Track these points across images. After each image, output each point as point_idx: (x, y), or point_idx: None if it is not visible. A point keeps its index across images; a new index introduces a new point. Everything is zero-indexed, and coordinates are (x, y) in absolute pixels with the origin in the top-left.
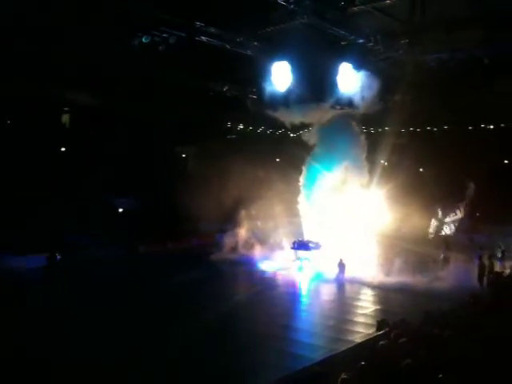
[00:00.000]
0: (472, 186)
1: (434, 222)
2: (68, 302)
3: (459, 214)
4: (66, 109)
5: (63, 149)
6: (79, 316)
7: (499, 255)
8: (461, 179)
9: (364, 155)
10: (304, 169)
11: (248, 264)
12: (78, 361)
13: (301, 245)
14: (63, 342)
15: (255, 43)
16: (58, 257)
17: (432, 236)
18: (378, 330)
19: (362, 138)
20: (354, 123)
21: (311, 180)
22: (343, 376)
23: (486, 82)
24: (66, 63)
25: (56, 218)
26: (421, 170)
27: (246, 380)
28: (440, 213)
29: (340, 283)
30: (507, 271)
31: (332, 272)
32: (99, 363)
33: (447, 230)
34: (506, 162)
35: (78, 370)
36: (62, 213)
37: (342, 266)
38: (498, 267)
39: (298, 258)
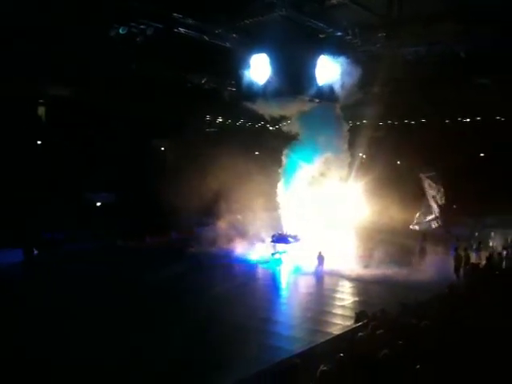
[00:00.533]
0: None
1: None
2: (51, 299)
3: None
4: (41, 101)
5: (39, 142)
6: (64, 313)
7: (475, 247)
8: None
9: (345, 146)
10: (283, 161)
11: (228, 257)
12: (65, 357)
13: (280, 238)
14: (48, 339)
15: (234, 35)
16: (35, 252)
17: (418, 226)
18: (356, 321)
19: (345, 127)
20: (336, 112)
21: (290, 172)
22: (322, 368)
23: (463, 75)
24: (40, 55)
25: (32, 212)
26: (398, 162)
27: (225, 373)
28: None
29: (319, 276)
30: (483, 262)
31: (311, 265)
32: (84, 358)
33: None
34: (482, 155)
35: (64, 366)
36: (38, 207)
37: (320, 258)
38: (474, 258)
39: (278, 251)
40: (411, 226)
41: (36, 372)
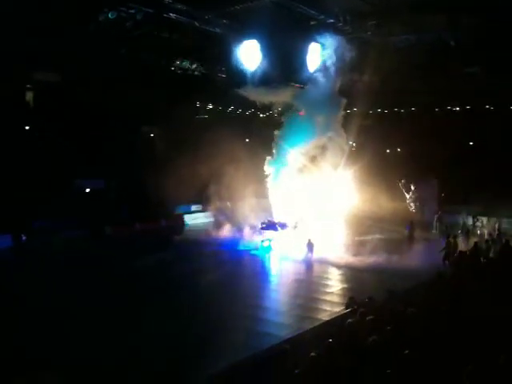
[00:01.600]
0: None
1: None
2: (37, 286)
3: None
4: (29, 86)
5: (27, 127)
6: (48, 300)
7: (462, 234)
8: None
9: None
10: (273, 147)
11: (217, 244)
12: (46, 346)
13: (270, 225)
14: (31, 327)
15: (224, 21)
16: (24, 238)
17: (414, 210)
18: (346, 307)
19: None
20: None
21: (280, 158)
22: (312, 354)
23: (452, 64)
24: (28, 39)
25: (20, 198)
26: (388, 151)
27: (214, 359)
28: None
29: (308, 263)
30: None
31: (301, 252)
32: (69, 348)
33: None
34: (471, 143)
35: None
36: (27, 193)
37: (310, 245)
38: (462, 246)
39: (267, 238)
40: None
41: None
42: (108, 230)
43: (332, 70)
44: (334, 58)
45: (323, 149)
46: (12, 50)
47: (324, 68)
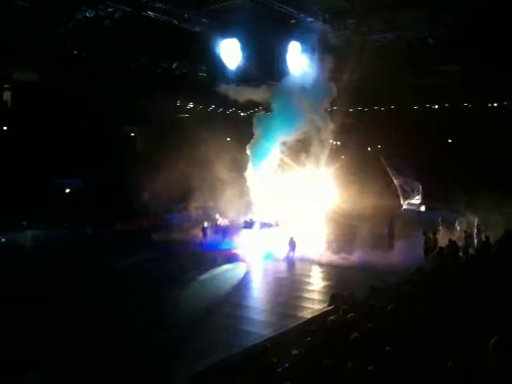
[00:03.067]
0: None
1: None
2: (16, 287)
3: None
4: (6, 86)
5: (5, 128)
6: (27, 300)
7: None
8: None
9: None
10: (252, 145)
11: (199, 244)
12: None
13: (252, 224)
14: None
15: (204, 20)
16: (3, 239)
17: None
18: (330, 303)
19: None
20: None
21: (260, 156)
22: (294, 351)
23: (431, 61)
24: (5, 38)
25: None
26: (369, 149)
27: (196, 358)
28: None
29: (290, 261)
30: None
31: (283, 250)
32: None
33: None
34: (449, 140)
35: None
36: (6, 193)
37: (292, 244)
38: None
39: (249, 237)
40: (402, 208)
41: None
42: (89, 229)
43: (312, 67)
44: (313, 56)
45: (306, 142)
46: None
47: (304, 66)
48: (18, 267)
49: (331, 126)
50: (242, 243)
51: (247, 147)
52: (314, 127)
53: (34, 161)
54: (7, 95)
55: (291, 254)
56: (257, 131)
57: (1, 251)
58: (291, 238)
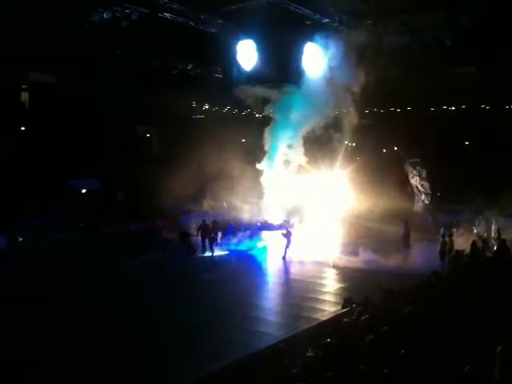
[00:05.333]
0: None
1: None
2: (32, 287)
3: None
4: (24, 86)
5: (23, 128)
6: (42, 301)
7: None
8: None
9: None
10: (266, 145)
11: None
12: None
13: (265, 225)
14: (22, 328)
15: (219, 21)
16: (20, 239)
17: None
18: (343, 307)
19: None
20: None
21: (275, 157)
22: (309, 353)
23: (448, 64)
24: (24, 39)
25: (16, 199)
26: (384, 150)
27: (210, 359)
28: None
29: (287, 257)
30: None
31: (280, 243)
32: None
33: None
34: (466, 143)
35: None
36: (23, 194)
37: (288, 235)
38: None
39: (262, 238)
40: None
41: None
42: (103, 229)
43: (327, 69)
44: (329, 58)
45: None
46: (7, 51)
47: (320, 67)
48: (34, 267)
49: (346, 127)
50: (256, 244)
51: (262, 148)
52: (329, 128)
53: (51, 161)
54: (25, 96)
55: (287, 246)
56: (271, 132)
57: (17, 251)
58: (287, 230)
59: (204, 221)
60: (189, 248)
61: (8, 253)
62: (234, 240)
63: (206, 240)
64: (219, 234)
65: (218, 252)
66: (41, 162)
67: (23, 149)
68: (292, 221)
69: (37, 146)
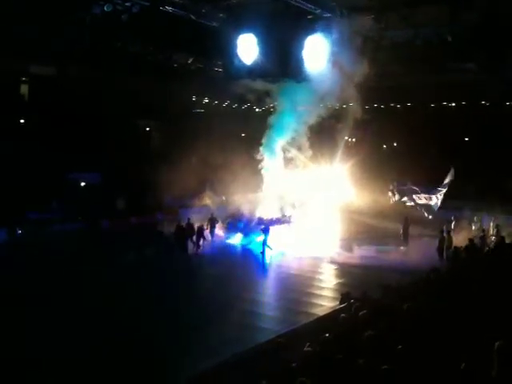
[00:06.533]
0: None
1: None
2: (29, 281)
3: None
4: (24, 79)
5: (22, 121)
6: (38, 296)
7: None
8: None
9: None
10: (265, 141)
11: (211, 239)
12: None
13: (263, 220)
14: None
15: (221, 14)
16: (19, 231)
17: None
18: (341, 302)
19: None
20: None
21: (274, 152)
22: (307, 348)
23: (450, 59)
24: (24, 32)
25: (16, 192)
26: (384, 146)
27: (209, 354)
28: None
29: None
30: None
31: (257, 238)
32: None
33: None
34: (466, 139)
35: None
36: (22, 187)
37: (266, 230)
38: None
39: (261, 233)
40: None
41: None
42: (104, 223)
43: (328, 63)
44: (330, 52)
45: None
46: (7, 43)
47: (321, 62)
48: (32, 259)
49: (346, 121)
50: (254, 239)
51: (261, 143)
52: (328, 123)
53: (51, 154)
54: (24, 88)
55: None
56: (270, 126)
57: (16, 244)
58: (265, 225)
59: (212, 214)
60: (197, 240)
61: (6, 246)
62: (234, 235)
63: (209, 234)
64: (216, 229)
65: (216, 247)
66: (41, 155)
67: (23, 142)
68: (291, 215)
69: (37, 139)
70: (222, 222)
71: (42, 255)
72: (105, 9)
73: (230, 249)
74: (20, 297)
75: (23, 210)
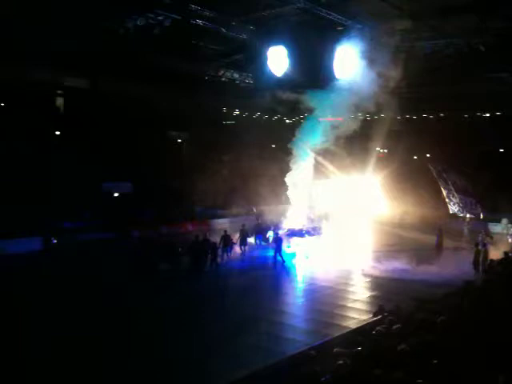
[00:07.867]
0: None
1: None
2: (64, 289)
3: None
4: (59, 92)
5: (58, 132)
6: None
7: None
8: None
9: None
10: (295, 151)
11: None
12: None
13: (294, 231)
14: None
15: (251, 27)
16: (54, 240)
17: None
18: (375, 315)
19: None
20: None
21: (303, 163)
22: (339, 361)
23: (482, 69)
24: (59, 46)
25: (51, 202)
26: (415, 157)
27: (240, 364)
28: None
29: (278, 261)
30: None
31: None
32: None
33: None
34: (501, 150)
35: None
36: (58, 197)
37: (278, 240)
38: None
39: (292, 245)
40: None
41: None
42: (135, 232)
43: (359, 74)
44: (360, 63)
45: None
46: (43, 57)
47: (351, 72)
48: (67, 269)
49: (377, 132)
50: (284, 250)
51: (292, 153)
52: (359, 134)
53: (86, 165)
54: (60, 101)
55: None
56: (301, 137)
57: (51, 253)
58: (277, 235)
59: (243, 226)
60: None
61: (42, 254)
62: (264, 245)
63: (242, 246)
64: (248, 240)
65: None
66: (76, 166)
67: (59, 153)
68: (321, 226)
69: (72, 151)
70: (252, 233)
71: (71, 263)
72: (138, 23)
73: (260, 260)
74: (37, 302)
75: (59, 220)
